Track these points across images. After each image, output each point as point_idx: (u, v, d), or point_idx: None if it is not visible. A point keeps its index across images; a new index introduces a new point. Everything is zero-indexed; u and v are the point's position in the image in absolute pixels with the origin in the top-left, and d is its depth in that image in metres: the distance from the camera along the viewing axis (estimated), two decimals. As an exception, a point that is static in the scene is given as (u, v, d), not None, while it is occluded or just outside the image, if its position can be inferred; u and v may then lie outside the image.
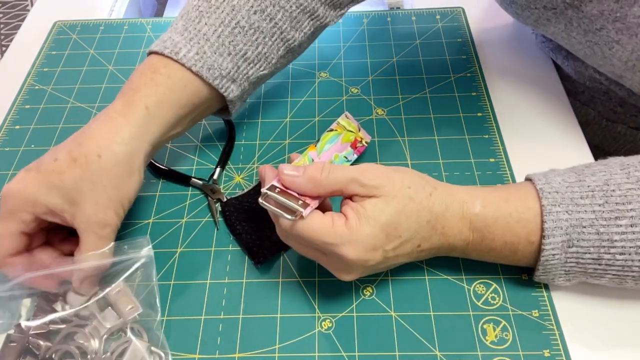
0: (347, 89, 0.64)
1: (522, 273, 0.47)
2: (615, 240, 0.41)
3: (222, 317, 0.46)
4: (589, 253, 0.42)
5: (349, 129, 0.53)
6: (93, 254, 0.43)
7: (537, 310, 0.45)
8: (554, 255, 0.42)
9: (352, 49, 0.69)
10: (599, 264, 0.42)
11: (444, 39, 0.69)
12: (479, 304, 0.46)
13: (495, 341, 0.44)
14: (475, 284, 0.47)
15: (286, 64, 0.58)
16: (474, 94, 0.62)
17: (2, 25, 2.12)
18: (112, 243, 0.45)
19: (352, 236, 0.40)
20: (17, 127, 0.62)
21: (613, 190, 0.42)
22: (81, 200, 0.43)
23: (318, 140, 0.51)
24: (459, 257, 0.48)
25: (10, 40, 1.89)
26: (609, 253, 0.41)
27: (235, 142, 0.59)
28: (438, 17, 0.72)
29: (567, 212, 0.42)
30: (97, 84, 0.66)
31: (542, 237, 0.42)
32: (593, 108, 0.64)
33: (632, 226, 0.40)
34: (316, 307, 0.46)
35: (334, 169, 0.42)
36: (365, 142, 0.55)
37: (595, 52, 0.53)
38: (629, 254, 0.41)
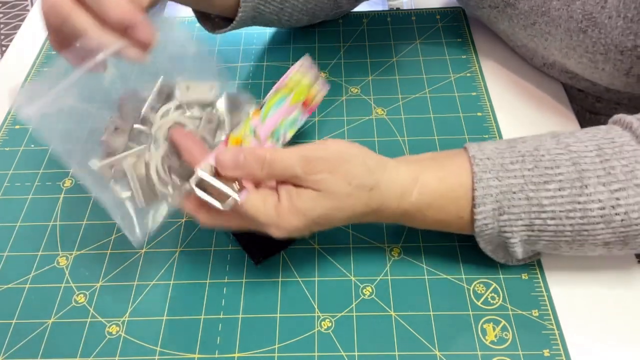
0: (347, 89, 0.64)
1: (522, 273, 0.47)
2: (545, 205, 0.41)
3: (221, 317, 0.46)
4: (521, 219, 0.42)
5: (304, 82, 0.48)
6: None
7: (537, 310, 0.45)
8: (486, 224, 0.43)
9: (352, 49, 0.69)
10: (532, 230, 0.42)
11: (444, 39, 0.69)
12: (478, 303, 0.46)
13: (495, 341, 0.44)
14: (475, 283, 0.47)
15: (294, 8, 0.61)
16: (474, 94, 0.62)
17: (2, 25, 2.13)
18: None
19: (279, 222, 0.40)
20: (17, 127, 0.62)
21: (542, 155, 0.42)
22: None
23: (263, 105, 0.45)
24: (454, 255, 0.48)
25: (10, 40, 1.89)
26: (540, 218, 0.42)
27: (235, 142, 0.59)
28: (438, 17, 0.72)
29: (497, 178, 0.42)
30: (97, 84, 0.66)
31: (473, 205, 0.42)
32: (576, 103, 0.65)
33: (560, 190, 0.41)
34: (316, 307, 0.46)
35: (274, 163, 0.40)
36: (321, 96, 0.50)
37: (537, 44, 0.58)
38: (560, 219, 0.41)
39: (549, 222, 0.42)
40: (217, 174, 0.40)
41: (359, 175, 0.42)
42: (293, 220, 0.41)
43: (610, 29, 0.49)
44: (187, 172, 0.41)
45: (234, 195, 0.39)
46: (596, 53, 0.51)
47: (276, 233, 0.41)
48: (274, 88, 0.46)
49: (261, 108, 0.45)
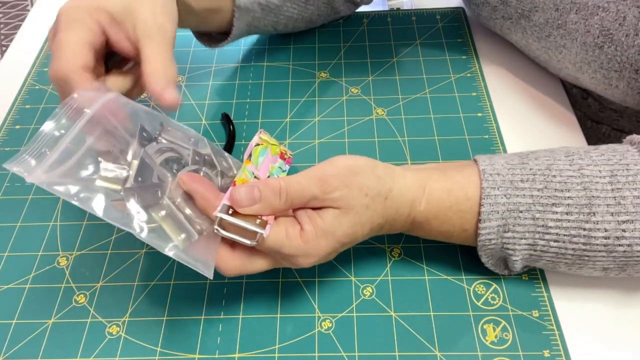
0: (347, 89, 0.64)
1: (522, 274, 0.47)
2: (550, 227, 0.41)
3: (222, 317, 0.46)
4: (525, 238, 0.42)
5: (272, 142, 0.53)
6: (164, 63, 0.44)
7: (537, 310, 0.45)
8: (490, 240, 0.43)
9: (352, 49, 0.69)
10: (534, 250, 0.42)
11: (444, 39, 0.69)
12: (479, 304, 0.46)
13: (495, 341, 0.44)
14: (475, 284, 0.47)
15: (290, 18, 0.63)
16: (474, 94, 0.62)
17: (2, 25, 2.12)
18: (172, 53, 0.45)
19: (308, 249, 0.40)
20: (17, 127, 0.62)
21: (554, 176, 0.42)
22: (140, 8, 0.44)
23: (250, 155, 0.49)
24: (455, 255, 0.48)
25: (10, 40, 1.89)
26: (544, 239, 0.42)
27: (235, 142, 0.59)
28: (438, 17, 0.72)
29: (505, 195, 0.42)
30: (97, 84, 0.66)
31: (479, 220, 0.42)
32: (579, 110, 0.65)
33: (567, 214, 0.41)
34: (316, 307, 0.46)
35: (290, 189, 0.39)
36: (290, 154, 0.54)
37: (551, 57, 0.57)
38: (563, 242, 0.41)
39: (552, 244, 0.42)
40: (234, 214, 0.39)
41: (373, 185, 0.41)
42: (322, 244, 0.40)
43: (627, 47, 0.48)
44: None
45: (259, 230, 0.38)
46: (611, 70, 0.51)
47: (305, 262, 0.40)
48: (248, 149, 0.49)
49: (250, 157, 0.48)
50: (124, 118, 0.42)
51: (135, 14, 0.45)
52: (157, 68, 0.43)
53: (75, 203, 0.38)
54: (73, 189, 0.38)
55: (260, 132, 0.53)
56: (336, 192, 0.40)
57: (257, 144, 0.51)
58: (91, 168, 0.40)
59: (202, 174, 0.44)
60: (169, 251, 0.39)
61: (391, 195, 0.42)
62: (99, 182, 0.40)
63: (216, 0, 0.56)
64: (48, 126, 0.40)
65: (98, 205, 0.38)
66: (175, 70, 0.45)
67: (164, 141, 0.44)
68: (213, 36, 0.63)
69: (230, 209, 0.39)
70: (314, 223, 0.40)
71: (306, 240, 0.39)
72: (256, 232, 0.38)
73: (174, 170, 0.43)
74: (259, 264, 0.41)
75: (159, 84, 0.43)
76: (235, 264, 0.41)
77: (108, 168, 0.40)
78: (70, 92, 0.42)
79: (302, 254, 0.40)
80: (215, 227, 0.39)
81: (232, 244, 0.41)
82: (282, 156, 0.52)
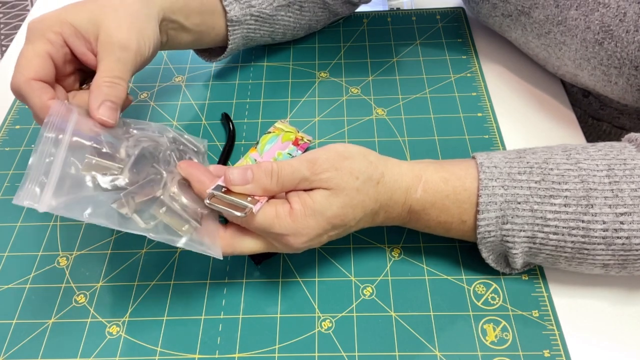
0: (347, 89, 0.64)
1: (522, 273, 0.47)
2: (549, 219, 0.41)
3: (222, 317, 0.46)
4: (524, 230, 0.42)
5: (287, 130, 0.53)
6: (110, 80, 0.44)
7: (537, 310, 0.45)
8: (489, 232, 0.43)
9: (352, 49, 0.69)
10: (534, 243, 0.43)
11: (444, 39, 0.69)
12: (479, 304, 0.46)
13: (495, 341, 0.44)
14: (475, 284, 0.47)
15: (287, 27, 0.63)
16: (474, 94, 0.62)
17: (2, 25, 2.12)
18: (130, 71, 0.46)
19: (297, 228, 0.40)
20: (17, 127, 0.62)
21: (551, 169, 0.42)
22: (104, 21, 0.45)
23: (257, 143, 0.50)
24: (455, 255, 0.48)
25: (10, 40, 1.89)
26: (543, 232, 0.42)
27: (235, 142, 0.59)
28: (438, 17, 0.72)
29: (502, 187, 0.42)
30: (97, 84, 0.66)
31: (477, 212, 0.43)
32: (579, 107, 0.65)
33: (565, 206, 0.41)
34: (316, 307, 0.46)
35: (282, 170, 0.41)
36: (308, 140, 0.54)
37: (550, 54, 0.57)
38: (562, 235, 0.41)
39: (551, 236, 0.42)
40: (228, 193, 0.41)
41: (364, 169, 0.42)
42: (311, 223, 0.40)
43: (627, 43, 0.48)
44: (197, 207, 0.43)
45: (248, 204, 0.40)
46: (610, 66, 0.51)
47: (295, 242, 0.41)
48: (264, 133, 0.51)
49: (256, 146, 0.49)
50: (96, 126, 0.44)
51: (100, 27, 0.45)
52: (100, 85, 0.44)
53: (88, 221, 0.39)
54: (82, 208, 0.39)
55: (280, 120, 0.54)
56: (325, 173, 0.41)
57: (268, 132, 0.51)
58: (90, 182, 0.41)
59: (187, 157, 0.46)
60: (179, 243, 0.40)
61: (384, 181, 0.43)
62: (100, 194, 0.41)
63: (208, 15, 0.56)
64: (36, 155, 0.40)
65: (110, 218, 0.39)
66: (124, 89, 0.45)
67: (135, 131, 0.45)
68: (213, 49, 0.64)
69: (224, 189, 0.41)
70: (303, 202, 0.41)
71: (295, 219, 0.40)
72: (246, 207, 0.40)
73: (160, 163, 0.44)
74: (249, 243, 0.43)
75: (95, 101, 0.44)
76: (226, 242, 0.42)
77: (104, 178, 0.41)
78: (28, 104, 0.44)
79: (291, 233, 0.41)
80: (207, 201, 0.41)
81: (225, 226, 0.42)
82: (295, 142, 0.52)
